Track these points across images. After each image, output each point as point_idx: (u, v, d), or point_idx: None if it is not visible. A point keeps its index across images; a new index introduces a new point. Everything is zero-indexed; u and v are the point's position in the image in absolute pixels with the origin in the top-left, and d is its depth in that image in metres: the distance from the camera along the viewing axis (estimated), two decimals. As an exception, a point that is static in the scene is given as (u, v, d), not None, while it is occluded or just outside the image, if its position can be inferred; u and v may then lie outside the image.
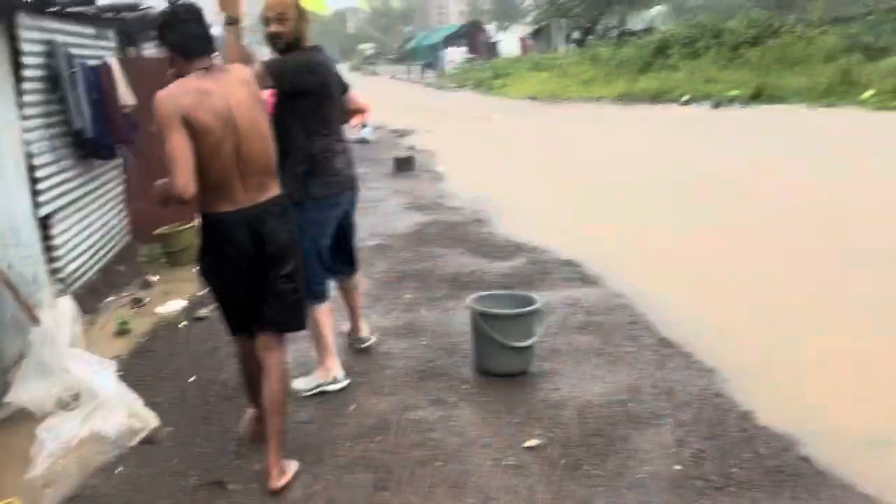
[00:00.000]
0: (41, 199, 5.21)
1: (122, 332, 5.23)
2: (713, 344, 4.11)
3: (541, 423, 3.27)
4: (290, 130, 3.50)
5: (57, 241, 5.54)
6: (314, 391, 3.73)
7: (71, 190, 5.83)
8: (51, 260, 5.53)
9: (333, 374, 3.76)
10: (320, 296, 3.70)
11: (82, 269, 6.01)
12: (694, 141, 11.54)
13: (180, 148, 2.77)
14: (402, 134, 16.04)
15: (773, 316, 4.50)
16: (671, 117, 14.44)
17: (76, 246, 5.91)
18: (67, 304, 4.35)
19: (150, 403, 3.92)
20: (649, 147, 11.31)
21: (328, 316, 3.78)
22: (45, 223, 5.42)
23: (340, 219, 3.80)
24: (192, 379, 4.23)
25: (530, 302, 3.78)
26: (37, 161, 5.16)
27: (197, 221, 3.44)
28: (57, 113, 5.67)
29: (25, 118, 5.08)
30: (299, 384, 3.74)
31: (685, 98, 16.87)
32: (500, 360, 3.70)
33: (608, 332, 4.33)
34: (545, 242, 6.39)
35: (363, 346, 4.22)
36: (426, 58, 47.93)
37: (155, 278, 6.57)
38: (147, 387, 4.20)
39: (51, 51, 5.57)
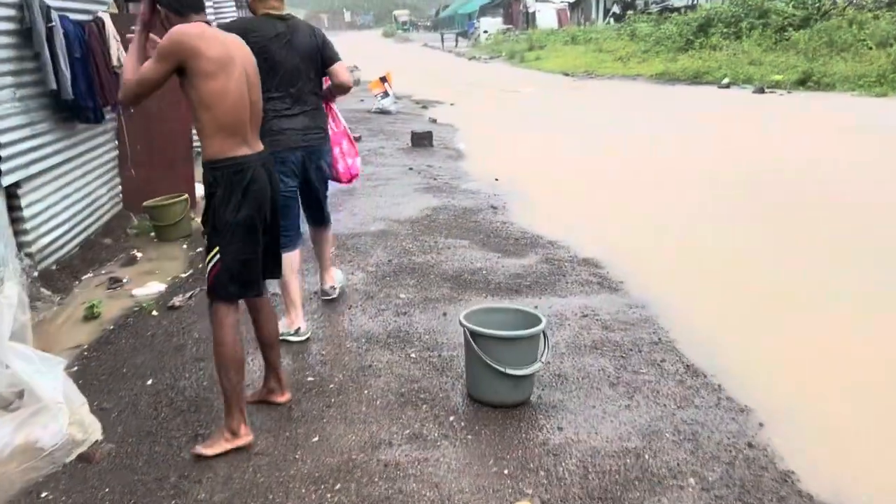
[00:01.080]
0: (5, 166, 4.71)
1: (90, 316, 4.76)
2: (749, 376, 3.51)
3: (535, 477, 2.70)
4: None
5: (26, 213, 5.06)
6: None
7: (46, 156, 5.32)
8: (18, 233, 5.05)
9: (297, 325, 4.01)
10: (287, 245, 3.76)
11: (57, 244, 5.53)
12: (738, 128, 10.65)
13: (155, 75, 2.78)
14: (425, 105, 15.38)
15: (826, 349, 3.85)
16: (711, 100, 13.56)
17: (50, 218, 5.42)
18: (12, 291, 3.85)
19: (99, 409, 3.46)
20: (688, 133, 10.51)
21: (295, 268, 3.99)
22: (10, 192, 4.93)
23: (298, 175, 3.96)
24: (149, 382, 3.73)
25: (534, 321, 3.19)
26: (0, 124, 4.65)
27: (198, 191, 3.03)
28: (30, 71, 5.15)
29: (-14, 76, 4.57)
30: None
31: (726, 80, 15.97)
32: (494, 388, 3.14)
33: (626, 353, 3.74)
34: (565, 236, 5.78)
35: (327, 297, 4.55)
36: (461, 26, 46.85)
37: (140, 255, 6.09)
38: (99, 387, 3.74)
39: (25, 2, 5.03)
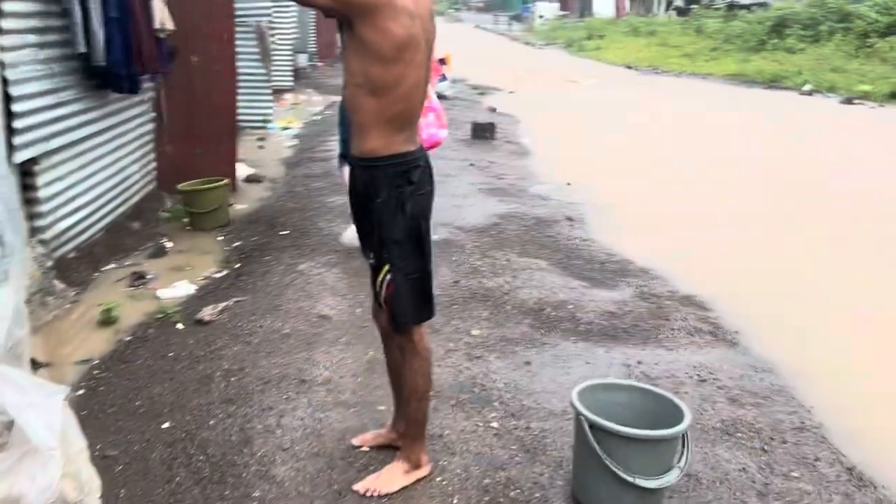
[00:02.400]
0: (19, 139, 4.02)
1: (106, 321, 4.08)
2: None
3: None
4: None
5: (42, 194, 4.37)
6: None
7: (69, 129, 4.62)
8: (32, 217, 4.37)
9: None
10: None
11: (78, 228, 4.85)
12: (845, 142, 9.36)
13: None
14: (482, 91, 14.51)
15: None
16: (797, 108, 12.39)
17: (71, 199, 4.74)
18: (8, 298, 3.17)
19: (101, 457, 2.75)
20: (785, 142, 9.39)
21: None
22: (25, 170, 4.24)
23: None
24: (166, 424, 3.02)
25: (672, 412, 2.39)
26: (14, 90, 3.94)
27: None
28: (57, 30, 4.44)
29: (2, 32, 3.86)
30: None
31: (808, 87, 14.80)
32: (614, 499, 2.35)
33: (767, 443, 2.91)
34: (658, 262, 4.94)
35: None
36: (515, 9, 45.66)
37: (170, 245, 5.40)
38: (105, 423, 3.06)
39: (55, -51, 4.32)
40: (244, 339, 3.66)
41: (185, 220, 5.85)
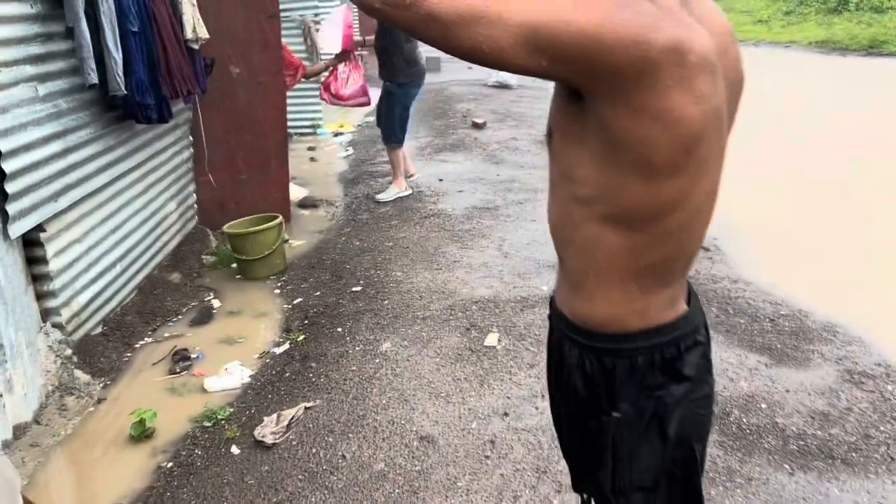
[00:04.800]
0: (14, 207, 3.05)
1: (140, 436, 3.11)
2: None
3: None
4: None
5: (52, 266, 3.41)
6: (394, 197, 6.03)
7: (84, 179, 3.65)
8: (42, 296, 3.42)
9: (403, 186, 6.09)
10: (401, 142, 6.07)
11: (102, 298, 3.91)
12: None
13: (508, 54, 1.02)
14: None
15: None
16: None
17: (92, 264, 3.79)
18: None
19: None
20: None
21: (402, 155, 6.11)
22: (28, 239, 3.28)
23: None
24: None
25: None
26: (5, 144, 2.96)
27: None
28: (61, 56, 3.44)
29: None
30: (382, 196, 6.07)
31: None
32: None
33: None
34: (834, 308, 3.80)
35: (409, 177, 6.34)
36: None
37: (217, 304, 4.43)
38: None
39: (52, -51, 3.31)
40: (323, 482, 2.65)
41: (234, 265, 4.88)
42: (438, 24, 0.99)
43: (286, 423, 3.00)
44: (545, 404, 3.03)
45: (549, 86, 1.27)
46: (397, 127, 6.00)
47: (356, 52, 6.22)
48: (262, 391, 3.38)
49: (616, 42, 0.97)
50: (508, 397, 3.08)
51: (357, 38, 6.36)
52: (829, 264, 4.51)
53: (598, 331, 1.24)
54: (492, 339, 3.56)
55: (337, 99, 6.21)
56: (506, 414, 2.96)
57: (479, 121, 8.51)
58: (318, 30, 8.27)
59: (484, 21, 0.98)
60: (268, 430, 2.97)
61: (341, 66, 6.10)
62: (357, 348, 3.58)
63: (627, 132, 1.04)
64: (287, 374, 3.48)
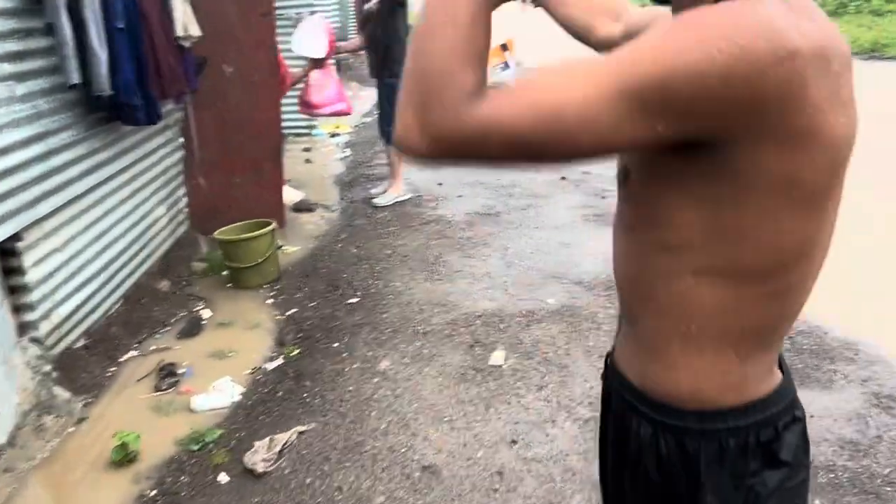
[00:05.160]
0: (-11, 215, 2.84)
1: (121, 461, 2.91)
2: None
3: None
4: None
5: (30, 278, 3.20)
6: (392, 202, 5.82)
7: (65, 184, 3.44)
8: (19, 309, 3.21)
9: (401, 190, 5.88)
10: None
11: (85, 310, 3.70)
12: None
13: (605, 129, 0.78)
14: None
15: None
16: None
17: (74, 274, 3.58)
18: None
19: None
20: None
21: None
22: (2, 249, 3.08)
23: None
24: None
25: None
26: (-25, 149, 2.75)
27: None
28: (42, 53, 3.24)
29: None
30: (380, 200, 5.86)
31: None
32: None
33: None
34: (851, 322, 3.63)
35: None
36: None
37: (207, 314, 4.22)
38: None
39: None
40: (318, 518, 2.45)
41: (225, 272, 4.67)
42: (529, 147, 0.82)
43: (278, 448, 2.80)
44: (555, 431, 2.84)
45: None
46: None
47: (329, 60, 6.01)
48: (252, 412, 3.18)
49: (750, 68, 0.75)
50: (516, 423, 2.89)
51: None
52: (844, 277, 4.32)
53: (679, 406, 1.01)
54: (497, 358, 3.37)
55: (312, 108, 5.98)
56: (514, 441, 2.77)
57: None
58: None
59: (569, 111, 0.78)
60: (259, 456, 2.77)
61: (314, 73, 5.87)
62: (354, 366, 3.38)
63: (772, 171, 0.82)
64: (280, 394, 3.28)
